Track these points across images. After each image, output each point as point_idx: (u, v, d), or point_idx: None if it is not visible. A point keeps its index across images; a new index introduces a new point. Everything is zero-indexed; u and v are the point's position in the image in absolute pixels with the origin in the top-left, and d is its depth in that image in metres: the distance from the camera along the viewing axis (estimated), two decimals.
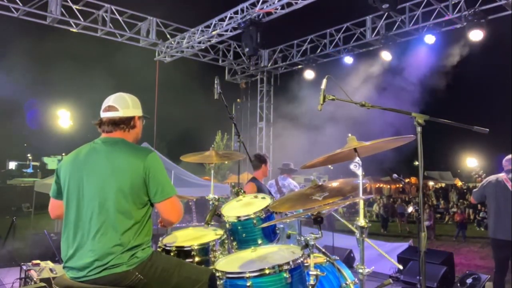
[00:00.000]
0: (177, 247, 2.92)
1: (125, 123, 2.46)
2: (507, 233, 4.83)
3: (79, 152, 2.44)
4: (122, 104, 2.47)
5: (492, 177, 5.21)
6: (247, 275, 2.39)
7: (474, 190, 5.50)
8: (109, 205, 2.25)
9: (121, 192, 2.26)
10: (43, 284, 4.09)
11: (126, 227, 2.25)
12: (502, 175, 5.08)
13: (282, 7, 8.82)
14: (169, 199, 2.35)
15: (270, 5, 8.77)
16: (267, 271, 2.38)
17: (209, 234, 3.14)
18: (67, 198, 2.37)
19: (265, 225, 2.97)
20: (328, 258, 2.93)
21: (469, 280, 5.60)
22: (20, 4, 8.78)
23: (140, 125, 2.57)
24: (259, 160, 5.30)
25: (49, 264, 5.02)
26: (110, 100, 2.49)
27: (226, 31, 10.14)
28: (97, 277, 2.20)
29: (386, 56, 9.76)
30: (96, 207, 2.26)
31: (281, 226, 3.13)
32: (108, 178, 2.28)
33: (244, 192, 3.55)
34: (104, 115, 2.47)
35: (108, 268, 2.19)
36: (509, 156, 5.10)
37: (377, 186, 33.86)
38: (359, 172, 2.44)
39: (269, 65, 12.92)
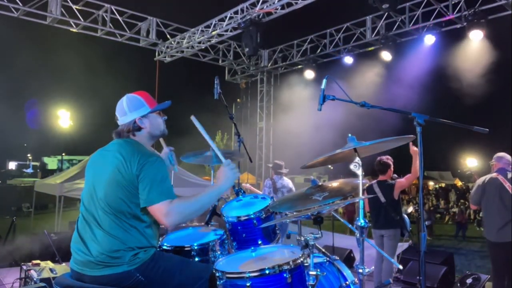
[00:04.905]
0: (177, 247, 2.92)
1: (125, 130, 2.46)
2: (492, 235, 4.79)
3: (100, 149, 2.54)
4: (120, 112, 2.49)
5: (480, 179, 5.04)
6: (247, 275, 2.39)
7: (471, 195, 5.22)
8: (114, 204, 2.27)
9: (124, 192, 2.27)
10: (43, 284, 4.09)
11: (130, 227, 2.26)
12: (494, 175, 4.90)
13: (282, 7, 8.82)
14: (153, 206, 2.24)
15: (270, 5, 8.77)
16: (267, 271, 2.38)
17: (209, 234, 3.14)
18: (83, 193, 2.46)
19: (265, 225, 2.96)
20: (328, 258, 2.92)
21: (469, 280, 5.59)
22: (20, 4, 8.78)
23: (149, 123, 2.48)
24: (385, 166, 5.55)
25: (49, 264, 5.03)
26: (116, 109, 2.53)
27: (226, 31, 10.14)
28: (98, 275, 2.21)
29: (386, 56, 9.76)
30: (102, 204, 2.29)
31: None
32: (110, 176, 2.31)
33: (244, 192, 3.55)
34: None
35: (109, 266, 2.20)
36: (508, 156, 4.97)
37: None
38: (359, 172, 2.44)
39: (269, 65, 12.92)
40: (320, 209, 2.52)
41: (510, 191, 4.71)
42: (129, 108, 2.47)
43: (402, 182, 5.43)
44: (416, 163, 5.19)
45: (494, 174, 4.92)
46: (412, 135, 2.37)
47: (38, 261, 5.03)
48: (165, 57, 11.96)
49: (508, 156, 4.98)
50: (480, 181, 5.05)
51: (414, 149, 5.16)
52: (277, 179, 6.64)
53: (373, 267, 4.70)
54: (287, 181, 6.67)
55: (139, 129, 2.47)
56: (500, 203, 4.74)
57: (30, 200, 14.29)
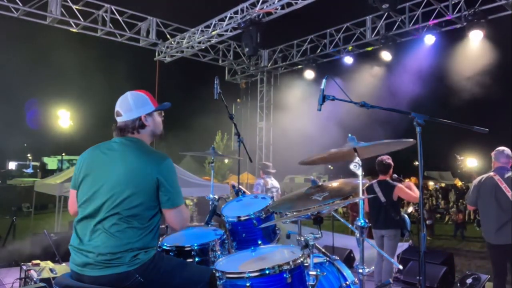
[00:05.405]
0: (177, 247, 2.92)
1: (130, 127, 2.44)
2: (490, 236, 4.73)
3: (98, 147, 2.48)
4: (125, 108, 2.46)
5: (477, 179, 4.93)
6: (247, 275, 2.39)
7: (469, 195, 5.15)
8: (118, 203, 2.25)
9: (132, 192, 2.26)
10: (43, 284, 4.09)
11: (133, 227, 2.25)
12: (491, 174, 4.78)
13: (282, 7, 8.83)
14: (176, 208, 2.37)
15: (270, 5, 8.77)
16: (267, 271, 2.38)
17: (209, 234, 3.14)
18: (81, 190, 2.40)
19: (265, 225, 2.96)
20: (328, 258, 2.92)
21: (469, 280, 5.58)
22: (20, 4, 8.78)
23: (153, 121, 2.50)
24: (387, 166, 5.56)
25: (49, 264, 5.03)
26: (117, 104, 2.50)
27: (226, 31, 10.15)
28: (97, 275, 2.20)
29: (386, 56, 9.77)
30: (105, 203, 2.27)
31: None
32: (120, 177, 2.29)
33: (244, 192, 3.56)
34: (116, 119, 2.50)
35: (108, 266, 2.20)
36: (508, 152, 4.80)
37: None
38: (359, 172, 2.44)
39: (269, 65, 12.92)
40: (320, 209, 2.52)
41: (507, 192, 4.57)
42: (135, 105, 2.46)
43: (403, 192, 5.36)
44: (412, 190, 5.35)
45: (491, 174, 4.79)
46: (412, 140, 2.35)
47: (38, 261, 5.02)
48: (165, 57, 11.96)
49: (508, 151, 4.80)
50: (476, 181, 4.94)
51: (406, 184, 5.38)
52: (267, 178, 6.99)
53: (373, 267, 4.69)
54: (276, 182, 7.14)
55: (143, 126, 2.47)
56: (496, 204, 4.64)
57: (30, 200, 14.28)
